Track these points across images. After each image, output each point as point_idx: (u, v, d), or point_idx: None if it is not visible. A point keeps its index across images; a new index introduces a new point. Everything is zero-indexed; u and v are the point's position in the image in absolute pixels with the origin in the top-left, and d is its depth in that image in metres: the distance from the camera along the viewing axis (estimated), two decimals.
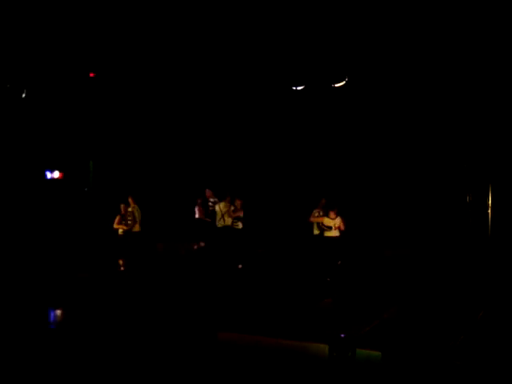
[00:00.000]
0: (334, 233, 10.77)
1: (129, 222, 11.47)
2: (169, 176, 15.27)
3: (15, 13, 10.11)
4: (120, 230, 11.58)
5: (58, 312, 8.07)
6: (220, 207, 12.05)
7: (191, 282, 10.07)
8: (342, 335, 5.24)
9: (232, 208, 11.99)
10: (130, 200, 11.65)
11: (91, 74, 11.81)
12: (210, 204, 13.11)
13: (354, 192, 14.56)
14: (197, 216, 13.43)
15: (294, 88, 11.44)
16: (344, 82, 10.90)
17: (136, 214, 11.60)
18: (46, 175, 13.80)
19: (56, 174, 13.94)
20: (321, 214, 11.13)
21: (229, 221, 11.91)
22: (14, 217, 13.09)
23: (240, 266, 11.31)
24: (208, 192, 13.29)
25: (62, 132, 13.98)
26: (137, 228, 11.64)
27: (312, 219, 11.15)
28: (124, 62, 11.52)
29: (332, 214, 10.73)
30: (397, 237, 12.23)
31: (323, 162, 15.52)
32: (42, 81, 12.00)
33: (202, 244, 12.71)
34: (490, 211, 11.17)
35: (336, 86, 10.94)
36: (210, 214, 13.05)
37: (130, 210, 11.57)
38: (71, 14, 10.02)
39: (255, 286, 9.88)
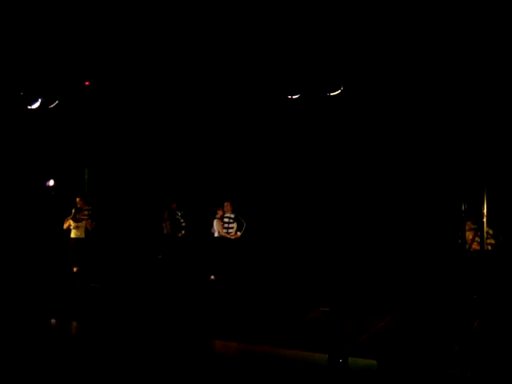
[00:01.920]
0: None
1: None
2: (164, 183, 15.26)
3: (12, 20, 10.12)
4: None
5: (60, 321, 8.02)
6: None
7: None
8: (339, 344, 5.24)
9: None
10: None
11: (86, 83, 11.83)
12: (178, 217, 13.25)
13: (349, 200, 14.56)
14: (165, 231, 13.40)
15: (290, 97, 11.45)
16: (339, 91, 10.91)
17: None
18: (44, 184, 13.81)
19: (51, 182, 13.95)
20: None
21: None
22: (10, 224, 13.08)
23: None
24: (173, 205, 13.21)
25: (57, 139, 13.97)
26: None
27: None
28: (119, 71, 11.53)
29: None
30: (392, 245, 12.23)
31: (318, 170, 15.55)
32: (39, 89, 12.00)
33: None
34: (485, 219, 11.17)
35: (331, 94, 10.95)
36: (180, 227, 13.10)
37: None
38: (65, 22, 10.04)
39: (251, 294, 9.85)
